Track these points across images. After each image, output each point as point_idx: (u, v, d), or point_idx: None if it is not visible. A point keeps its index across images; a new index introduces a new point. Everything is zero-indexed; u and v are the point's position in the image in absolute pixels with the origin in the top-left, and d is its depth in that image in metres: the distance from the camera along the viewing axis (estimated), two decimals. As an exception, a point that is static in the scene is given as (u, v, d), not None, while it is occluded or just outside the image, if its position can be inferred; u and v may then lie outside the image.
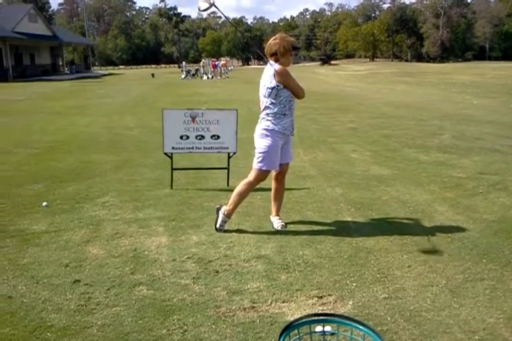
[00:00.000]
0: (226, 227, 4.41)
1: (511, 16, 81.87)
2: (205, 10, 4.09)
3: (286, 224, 4.49)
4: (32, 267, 3.64)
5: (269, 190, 4.70)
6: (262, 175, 4.32)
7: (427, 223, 4.61)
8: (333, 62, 77.90)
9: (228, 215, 4.40)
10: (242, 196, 4.39)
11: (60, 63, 53.33)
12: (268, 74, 4.18)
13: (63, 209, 5.05)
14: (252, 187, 4.41)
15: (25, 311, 2.99)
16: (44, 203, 5.16)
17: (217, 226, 4.38)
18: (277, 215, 4.58)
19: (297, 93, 4.23)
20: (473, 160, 7.53)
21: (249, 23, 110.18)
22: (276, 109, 4.19)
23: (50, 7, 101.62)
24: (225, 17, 4.54)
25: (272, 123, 4.21)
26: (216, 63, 43.99)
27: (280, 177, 4.51)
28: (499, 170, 6.82)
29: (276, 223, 4.48)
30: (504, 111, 14.75)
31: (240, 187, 4.38)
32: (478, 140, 9.38)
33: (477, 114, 14.00)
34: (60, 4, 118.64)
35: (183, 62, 49.26)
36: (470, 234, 4.31)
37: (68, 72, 51.85)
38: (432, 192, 5.68)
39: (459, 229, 4.42)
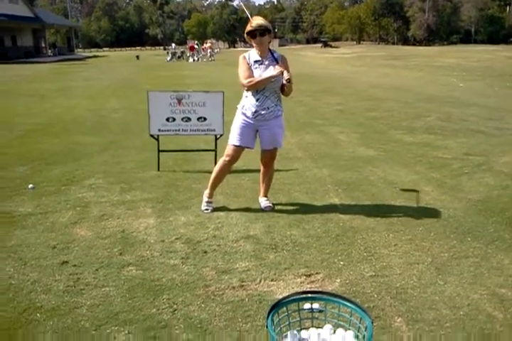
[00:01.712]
0: (213, 207, 4.44)
1: (496, 1, 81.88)
2: None
3: (274, 204, 4.52)
4: (19, 249, 3.62)
5: (258, 171, 4.72)
6: (229, 149, 4.29)
7: (412, 203, 4.66)
8: (333, 44, 75.39)
9: (208, 195, 4.46)
10: (216, 172, 4.40)
11: (43, 45, 52.38)
12: None
13: (50, 192, 5.01)
14: (223, 163, 4.35)
15: (14, 292, 2.99)
16: (30, 185, 5.12)
17: (202, 207, 4.43)
18: (265, 196, 4.59)
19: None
20: (458, 141, 7.59)
21: (235, 5, 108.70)
22: (244, 91, 4.25)
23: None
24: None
25: (240, 102, 4.30)
26: (195, 45, 43.20)
27: (264, 162, 4.50)
28: (484, 151, 6.90)
29: (264, 204, 4.50)
30: (489, 94, 14.85)
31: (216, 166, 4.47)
32: (464, 122, 9.45)
33: (463, 96, 14.08)
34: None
35: (173, 44, 47.49)
36: (455, 213, 4.37)
37: (51, 54, 50.95)
38: (418, 173, 5.73)
39: (445, 209, 4.48)
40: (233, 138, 4.27)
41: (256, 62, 4.13)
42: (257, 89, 4.12)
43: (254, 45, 4.10)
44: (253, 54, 4.17)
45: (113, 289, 3.03)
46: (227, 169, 4.43)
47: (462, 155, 6.65)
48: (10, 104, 12.44)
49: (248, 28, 4.04)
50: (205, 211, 4.41)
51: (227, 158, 4.32)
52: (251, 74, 4.10)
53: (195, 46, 43.19)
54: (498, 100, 13.30)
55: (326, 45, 72.26)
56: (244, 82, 4.10)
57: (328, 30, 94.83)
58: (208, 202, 4.46)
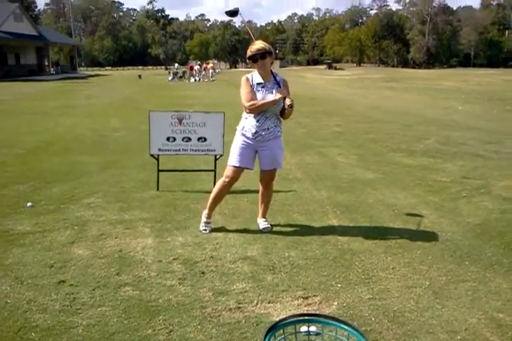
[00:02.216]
0: (211, 228, 4.44)
1: (495, 24, 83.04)
2: (230, 14, 4.31)
3: (272, 226, 4.52)
4: (16, 267, 3.61)
5: (256, 192, 4.73)
6: (229, 170, 4.31)
7: (411, 226, 4.66)
8: (338, 66, 75.19)
9: (207, 215, 4.47)
10: (215, 193, 4.41)
11: (46, 63, 52.86)
12: None
13: (48, 210, 5.02)
14: (222, 184, 4.36)
15: (10, 311, 2.98)
16: (29, 204, 5.13)
17: (200, 228, 4.44)
18: (264, 217, 4.60)
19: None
20: (457, 164, 7.62)
21: (237, 26, 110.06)
22: (244, 112, 4.30)
23: (36, 7, 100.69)
24: (245, 25, 4.59)
25: (240, 123, 4.35)
26: (196, 66, 43.62)
27: (264, 182, 4.51)
28: (482, 174, 6.92)
29: (263, 225, 4.50)
30: (488, 117, 14.95)
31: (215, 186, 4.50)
32: (463, 145, 9.50)
33: (462, 119, 14.18)
34: (46, 4, 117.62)
35: (176, 64, 47.72)
36: (453, 236, 4.37)
37: (54, 72, 51.41)
38: (417, 196, 5.74)
39: (443, 232, 4.48)
40: (233, 159, 4.29)
41: (259, 84, 4.19)
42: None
43: (256, 68, 4.17)
44: (256, 76, 4.22)
45: (109, 309, 3.02)
46: (226, 190, 4.44)
47: (461, 178, 6.67)
48: (12, 122, 12.51)
49: (248, 53, 4.11)
50: (203, 231, 4.40)
51: (226, 179, 4.33)
52: (253, 97, 4.15)
53: (197, 67, 43.61)
54: (497, 123, 13.39)
55: (330, 66, 72.35)
56: (247, 104, 4.15)
57: (328, 52, 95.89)
58: (206, 222, 4.47)
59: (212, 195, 4.45)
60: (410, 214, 5.04)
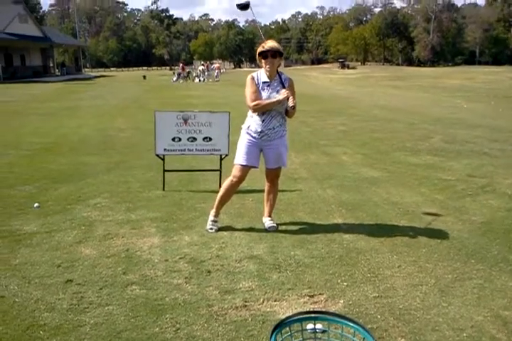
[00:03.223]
0: (218, 227, 4.46)
1: (501, 21, 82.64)
2: (241, 7, 4.23)
3: (277, 225, 4.53)
4: (24, 267, 3.64)
5: (262, 191, 4.75)
6: (236, 169, 4.34)
7: (416, 224, 4.67)
8: (351, 65, 72.55)
9: (214, 214, 4.49)
10: (222, 193, 4.43)
11: (51, 65, 53.06)
12: None
13: (55, 211, 5.05)
14: (230, 184, 4.39)
15: (18, 310, 3.00)
16: (36, 204, 5.16)
17: (207, 227, 4.46)
18: (269, 216, 4.61)
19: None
20: (462, 163, 7.61)
21: (241, 26, 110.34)
22: (249, 111, 4.34)
23: (41, 8, 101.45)
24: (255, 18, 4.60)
25: (245, 122, 4.38)
26: (186, 67, 43.15)
27: (269, 180, 4.54)
28: (488, 172, 6.91)
29: (268, 224, 4.51)
30: (493, 115, 14.91)
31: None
32: (468, 143, 9.48)
33: (467, 117, 14.14)
34: (51, 5, 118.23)
35: (180, 64, 47.39)
36: (459, 234, 4.37)
37: (59, 73, 51.59)
38: (422, 194, 5.74)
39: (448, 230, 4.48)
40: (239, 158, 4.32)
41: (264, 83, 4.21)
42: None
43: (263, 66, 4.18)
44: (262, 75, 4.24)
45: (116, 308, 3.04)
46: (234, 189, 4.47)
47: (466, 176, 6.66)
48: (18, 124, 12.58)
49: (260, 48, 4.13)
50: (210, 230, 4.42)
51: (234, 179, 4.35)
52: (258, 97, 4.18)
53: (201, 67, 43.59)
54: (503, 121, 13.35)
55: (344, 65, 70.00)
56: (251, 104, 4.19)
57: (332, 50, 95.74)
58: (213, 221, 4.48)
59: (219, 195, 4.48)
60: (416, 212, 5.04)
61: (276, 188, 4.61)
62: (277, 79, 4.21)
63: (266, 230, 4.45)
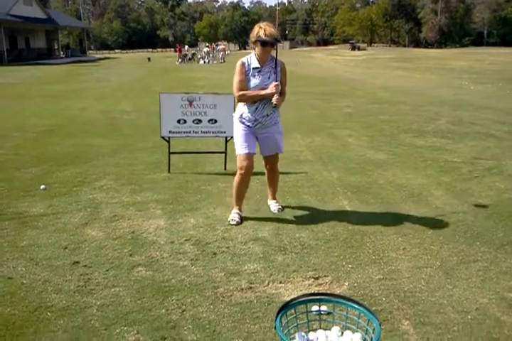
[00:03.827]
0: (239, 219, 4.24)
1: (510, 2, 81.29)
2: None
3: (283, 207, 4.53)
4: (31, 249, 3.67)
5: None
6: (240, 160, 4.16)
7: (422, 206, 4.66)
8: (361, 46, 69.73)
9: (237, 208, 4.33)
10: (237, 187, 4.25)
11: (56, 47, 52.77)
12: None
13: (61, 193, 5.07)
14: (240, 178, 4.20)
15: (25, 292, 3.03)
16: (42, 186, 5.17)
17: (229, 218, 4.26)
18: (274, 199, 4.60)
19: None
20: (468, 145, 7.57)
21: (246, 7, 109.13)
22: None
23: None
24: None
25: (237, 110, 4.26)
26: (182, 49, 42.36)
27: (268, 167, 4.46)
28: (494, 155, 6.87)
29: (273, 206, 4.51)
30: (501, 97, 14.76)
31: None
32: (474, 125, 9.41)
33: (474, 99, 14.02)
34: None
35: (186, 46, 46.73)
36: (465, 217, 4.37)
37: (64, 55, 51.34)
38: (428, 176, 5.72)
39: (454, 213, 4.47)
40: (241, 148, 4.16)
41: (255, 69, 4.04)
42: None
43: (258, 51, 4.01)
44: (253, 60, 4.07)
45: (123, 289, 3.07)
46: (246, 180, 4.25)
47: (473, 159, 6.62)
48: (23, 106, 12.57)
49: (262, 36, 3.88)
50: (231, 221, 4.19)
51: (242, 171, 4.15)
52: (244, 86, 4.04)
53: (206, 49, 43.29)
54: (510, 103, 13.22)
55: (354, 47, 67.18)
56: (237, 94, 4.08)
57: (338, 32, 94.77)
58: (236, 213, 4.28)
59: (234, 190, 4.29)
60: (421, 194, 5.03)
61: (276, 173, 4.53)
62: (269, 64, 4.05)
63: (271, 212, 4.46)
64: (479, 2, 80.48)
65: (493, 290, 3.07)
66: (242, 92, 4.05)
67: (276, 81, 4.00)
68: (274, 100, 3.97)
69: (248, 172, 4.18)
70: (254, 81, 4.04)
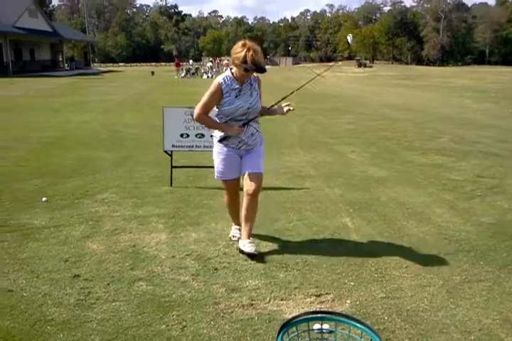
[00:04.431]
0: (239, 235, 4.11)
1: (511, 22, 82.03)
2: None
3: (258, 252, 3.81)
4: (32, 261, 3.65)
5: (269, 188, 4.72)
6: (223, 184, 4.03)
7: (424, 224, 4.64)
8: (368, 64, 69.20)
9: (234, 225, 4.26)
10: (226, 205, 4.19)
11: (60, 59, 53.16)
12: None
13: (63, 205, 5.06)
14: (227, 197, 4.10)
15: (26, 305, 3.01)
16: (44, 198, 5.18)
17: (230, 235, 4.22)
18: (248, 238, 3.88)
19: None
20: (471, 163, 7.57)
21: (250, 23, 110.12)
22: (221, 116, 3.89)
23: (50, 3, 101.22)
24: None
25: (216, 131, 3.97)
26: (181, 63, 42.82)
27: (252, 190, 3.81)
28: (497, 173, 6.86)
29: (248, 247, 3.79)
30: (503, 116, 14.80)
31: None
32: (477, 143, 9.42)
33: (476, 118, 14.06)
34: (60, 0, 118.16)
35: (190, 61, 47.03)
36: (467, 236, 4.35)
37: (68, 68, 51.72)
38: (430, 194, 5.71)
39: (457, 231, 4.45)
40: (218, 173, 3.96)
41: (234, 90, 3.75)
42: (233, 116, 3.78)
43: (238, 74, 3.71)
44: (232, 81, 3.76)
45: (123, 304, 3.04)
46: (236, 200, 4.11)
47: (475, 177, 6.62)
48: (27, 118, 12.62)
49: (249, 64, 3.58)
50: (233, 238, 4.14)
51: (228, 192, 4.06)
52: (211, 109, 3.83)
53: (209, 63, 43.68)
54: (512, 122, 13.24)
55: (360, 64, 66.54)
56: (199, 113, 3.79)
57: (341, 48, 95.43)
58: (236, 229, 4.21)
59: (227, 209, 4.23)
60: (424, 212, 5.01)
61: (256, 203, 3.91)
62: (247, 82, 3.81)
63: (273, 228, 4.42)
64: (481, 22, 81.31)
65: (497, 310, 3.04)
66: (205, 117, 3.82)
67: (256, 96, 3.82)
68: (286, 108, 3.82)
69: (235, 193, 4.07)
70: (238, 103, 3.75)
